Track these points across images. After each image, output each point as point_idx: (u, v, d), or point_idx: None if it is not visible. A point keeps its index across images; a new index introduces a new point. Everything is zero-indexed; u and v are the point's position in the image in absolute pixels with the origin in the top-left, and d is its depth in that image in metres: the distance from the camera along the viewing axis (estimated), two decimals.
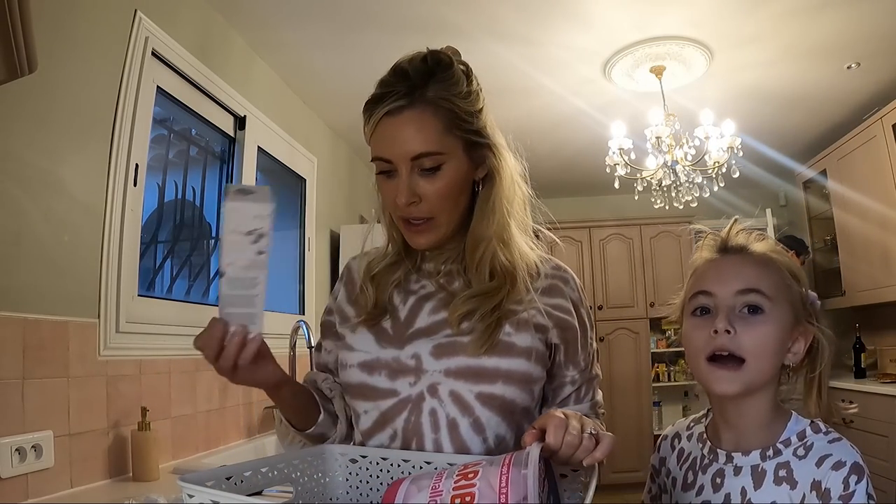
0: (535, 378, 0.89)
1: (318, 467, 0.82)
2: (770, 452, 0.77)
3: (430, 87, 0.85)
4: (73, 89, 1.58)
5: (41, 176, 1.48)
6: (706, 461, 0.83)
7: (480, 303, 0.87)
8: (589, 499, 0.71)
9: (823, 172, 3.92)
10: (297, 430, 0.92)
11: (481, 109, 0.89)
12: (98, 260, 1.65)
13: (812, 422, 0.79)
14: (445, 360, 0.86)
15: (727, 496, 0.79)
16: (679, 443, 0.92)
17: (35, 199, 1.46)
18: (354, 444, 0.94)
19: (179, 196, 2.24)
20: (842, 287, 3.82)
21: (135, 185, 1.80)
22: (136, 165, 1.80)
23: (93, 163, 1.66)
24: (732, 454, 0.80)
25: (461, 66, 0.89)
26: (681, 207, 3.34)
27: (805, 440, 0.77)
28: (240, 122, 2.52)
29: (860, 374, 3.51)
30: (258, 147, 2.63)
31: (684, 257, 4.38)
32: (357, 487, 0.82)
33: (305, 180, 3.16)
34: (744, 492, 0.77)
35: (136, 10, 1.82)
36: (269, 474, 0.73)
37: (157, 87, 1.95)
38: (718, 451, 0.82)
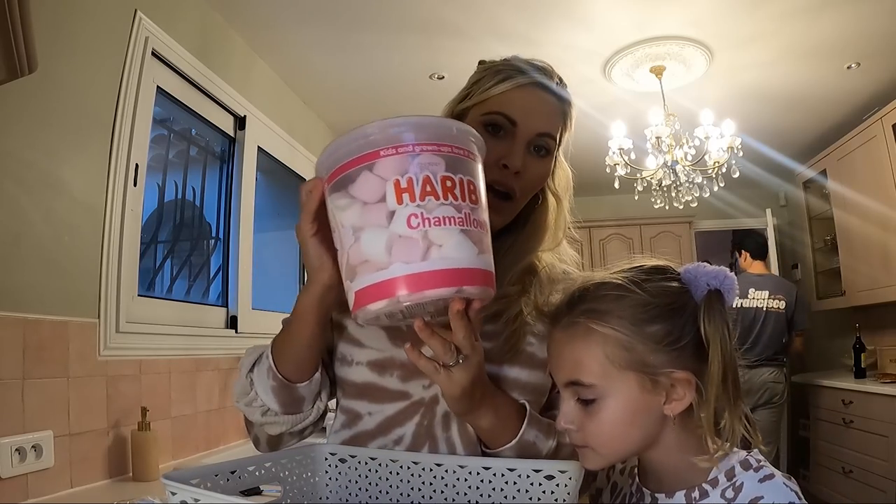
0: (547, 389, 0.88)
1: (307, 467, 0.81)
2: (696, 494, 0.68)
3: (562, 91, 0.90)
4: (73, 89, 1.58)
5: (41, 176, 1.48)
6: (634, 499, 0.77)
7: (507, 305, 0.84)
8: (574, 498, 0.71)
9: (823, 172, 3.92)
10: (285, 380, 0.77)
11: (570, 133, 0.93)
12: (98, 260, 1.65)
13: (745, 457, 0.69)
14: None
15: None
16: (613, 473, 0.85)
17: (35, 199, 1.46)
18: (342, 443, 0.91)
19: (179, 196, 2.24)
20: (842, 287, 3.82)
21: (135, 185, 1.80)
22: (136, 165, 1.80)
23: (93, 163, 1.66)
24: (656, 494, 0.72)
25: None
26: (681, 207, 3.34)
27: (734, 479, 0.67)
28: (240, 122, 2.52)
29: (860, 374, 3.51)
30: (258, 147, 2.63)
31: (684, 258, 4.38)
32: (346, 487, 0.82)
33: (305, 180, 3.15)
34: None
35: (136, 11, 1.82)
36: (257, 473, 0.72)
37: (157, 87, 1.95)
38: (644, 490, 0.75)
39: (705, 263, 0.71)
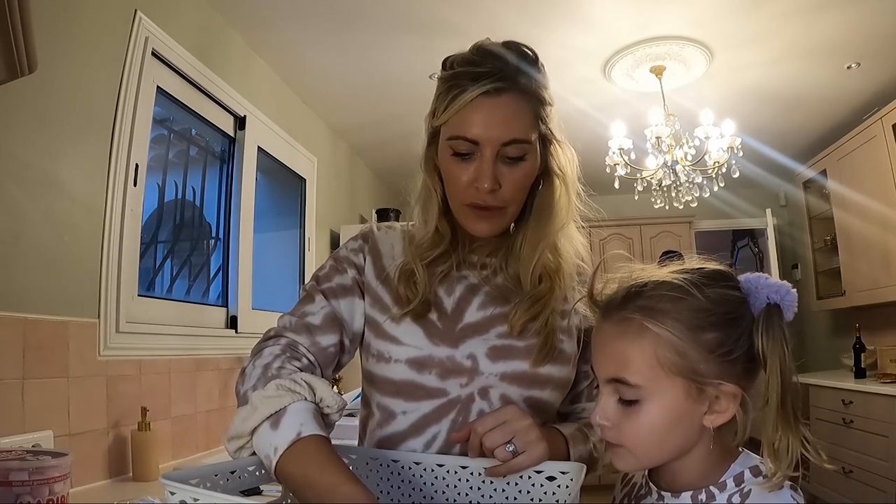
0: (571, 381, 0.91)
1: None
2: (702, 496, 0.67)
3: (522, 74, 0.83)
4: (73, 89, 1.58)
5: (41, 176, 1.47)
6: (642, 492, 0.75)
7: (542, 308, 0.86)
8: (575, 498, 0.71)
9: (823, 172, 3.92)
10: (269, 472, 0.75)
11: (553, 106, 0.89)
12: (98, 260, 1.65)
13: (756, 464, 0.67)
14: (502, 364, 0.84)
15: None
16: None
17: (35, 199, 1.46)
18: (362, 442, 0.90)
19: (179, 196, 2.24)
20: (842, 287, 3.82)
21: (135, 185, 1.80)
22: (136, 165, 1.80)
23: (93, 163, 1.66)
24: (663, 493, 0.71)
25: (541, 62, 0.88)
26: (681, 207, 3.34)
27: (742, 486, 0.65)
28: (240, 122, 2.52)
29: (860, 374, 3.51)
30: (258, 147, 2.63)
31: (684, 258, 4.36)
32: None
33: (305, 180, 3.16)
34: None
35: (136, 10, 1.82)
36: (257, 473, 0.72)
37: (157, 87, 1.95)
38: (652, 485, 0.73)
39: (767, 275, 0.69)
